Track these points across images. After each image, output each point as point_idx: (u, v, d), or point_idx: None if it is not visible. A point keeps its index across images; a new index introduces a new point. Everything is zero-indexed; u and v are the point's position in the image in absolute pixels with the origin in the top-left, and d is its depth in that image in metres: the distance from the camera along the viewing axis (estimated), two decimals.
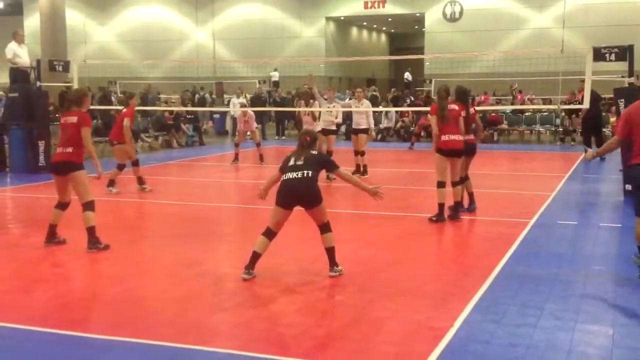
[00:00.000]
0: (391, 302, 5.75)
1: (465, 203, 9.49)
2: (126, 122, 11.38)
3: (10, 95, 14.77)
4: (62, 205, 7.73)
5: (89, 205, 7.48)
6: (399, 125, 22.51)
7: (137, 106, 14.07)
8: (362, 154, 13.32)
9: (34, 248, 7.67)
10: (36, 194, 11.36)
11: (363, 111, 13.42)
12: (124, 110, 11.68)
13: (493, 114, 21.76)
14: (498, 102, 25.34)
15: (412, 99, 26.00)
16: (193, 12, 39.45)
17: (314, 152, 6.62)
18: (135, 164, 11.64)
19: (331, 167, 6.71)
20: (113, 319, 5.36)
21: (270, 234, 6.46)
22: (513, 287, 6.10)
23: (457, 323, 5.18)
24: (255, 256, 6.43)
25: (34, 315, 5.38)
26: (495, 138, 21.65)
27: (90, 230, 7.46)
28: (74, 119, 7.55)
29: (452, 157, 9.02)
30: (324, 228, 6.52)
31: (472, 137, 9.38)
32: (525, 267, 6.78)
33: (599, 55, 11.15)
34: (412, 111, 21.71)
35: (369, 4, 36.15)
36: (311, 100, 13.28)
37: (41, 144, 13.97)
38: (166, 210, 10.26)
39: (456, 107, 9.09)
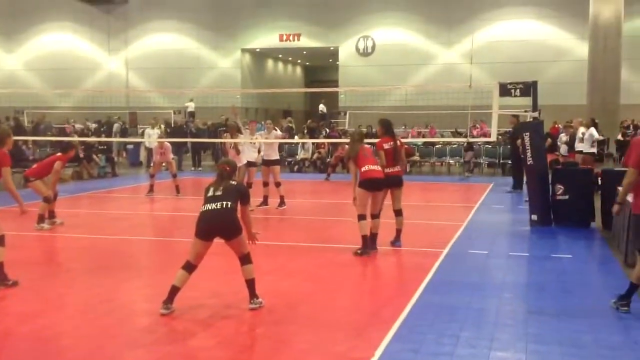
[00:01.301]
0: (311, 334, 5.78)
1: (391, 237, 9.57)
2: (57, 165, 11.22)
3: None
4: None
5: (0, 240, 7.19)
6: (315, 156, 22.75)
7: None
8: (278, 185, 13.38)
9: None
10: None
11: (274, 143, 13.53)
12: (59, 154, 11.50)
13: (406, 146, 22.26)
14: (419, 135, 26.11)
15: (328, 130, 26.37)
16: (105, 40, 38.75)
17: (232, 182, 6.59)
18: (47, 200, 11.27)
19: (245, 201, 6.64)
20: (23, 358, 5.13)
21: (190, 267, 6.37)
22: (429, 317, 6.25)
23: (377, 353, 5.26)
24: (174, 290, 6.32)
25: None
26: (408, 169, 22.19)
27: None
28: None
29: (374, 190, 8.98)
30: (245, 259, 6.48)
31: (398, 169, 9.38)
32: (441, 296, 6.96)
33: (504, 90, 11.71)
34: (328, 143, 22.02)
35: (284, 37, 36.60)
36: (237, 133, 13.27)
37: None
38: (78, 244, 9.94)
39: (368, 147, 9.31)
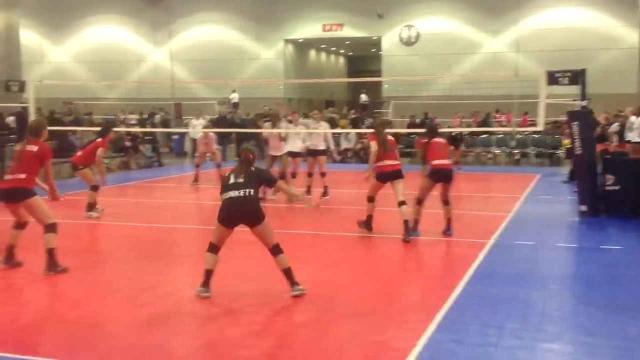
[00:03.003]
0: (353, 323, 5.76)
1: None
2: (99, 152, 11.33)
3: None
4: (20, 225, 7.61)
5: (50, 228, 7.39)
6: (358, 146, 22.67)
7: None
8: (323, 175, 13.37)
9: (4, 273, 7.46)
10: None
11: (321, 133, 13.50)
12: (99, 140, 11.61)
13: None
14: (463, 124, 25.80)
15: (371, 120, 26.24)
16: (150, 33, 39.21)
17: (253, 168, 6.62)
18: (95, 188, 11.46)
19: (271, 182, 6.76)
20: (71, 343, 5.25)
21: (215, 248, 6.46)
22: (474, 307, 6.17)
23: (420, 343, 5.22)
24: (208, 273, 6.43)
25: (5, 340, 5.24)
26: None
27: (50, 253, 7.34)
28: (34, 148, 7.50)
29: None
30: (275, 250, 6.48)
31: (446, 162, 9.56)
32: (485, 287, 6.87)
33: (552, 78, 11.43)
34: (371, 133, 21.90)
35: (327, 27, 36.49)
36: (278, 122, 13.30)
37: None
38: (125, 232, 10.11)
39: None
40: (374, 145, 9.40)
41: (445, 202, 9.51)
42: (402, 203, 9.24)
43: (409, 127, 22.92)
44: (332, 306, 6.24)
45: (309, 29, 36.98)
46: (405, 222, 9.15)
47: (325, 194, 13.25)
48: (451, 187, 9.59)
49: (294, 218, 11.65)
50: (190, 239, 10.10)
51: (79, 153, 11.83)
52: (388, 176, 9.41)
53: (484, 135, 22.73)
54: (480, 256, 8.22)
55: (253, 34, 37.57)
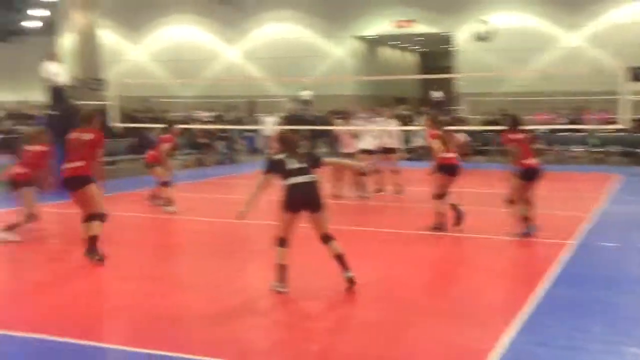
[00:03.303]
0: (430, 323, 5.66)
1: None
2: (163, 147, 11.58)
3: (51, 113, 14.97)
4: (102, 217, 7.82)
5: (100, 216, 7.62)
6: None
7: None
8: (396, 172, 13.24)
9: (73, 262, 7.71)
10: (71, 209, 11.40)
11: (393, 131, 13.36)
12: (164, 136, 11.84)
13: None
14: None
15: (447, 118, 25.86)
16: (224, 31, 39.85)
17: (302, 150, 6.64)
18: (166, 184, 11.68)
19: (319, 161, 6.67)
20: (147, 334, 5.33)
21: (284, 241, 6.39)
22: (557, 309, 5.96)
23: (501, 345, 5.07)
24: (282, 268, 6.36)
25: (75, 329, 5.38)
26: None
27: (92, 239, 7.51)
28: (88, 136, 7.76)
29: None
30: (327, 238, 6.44)
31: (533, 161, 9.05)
32: (568, 289, 6.63)
33: (635, 74, 10.96)
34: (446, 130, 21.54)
35: (399, 24, 36.18)
36: (350, 119, 13.26)
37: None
38: (200, 227, 10.27)
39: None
40: (436, 144, 9.34)
41: (528, 201, 9.16)
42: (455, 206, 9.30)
43: (484, 124, 22.44)
44: (407, 306, 6.14)
45: (380, 25, 36.76)
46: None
47: (399, 191, 13.11)
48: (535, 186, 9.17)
49: (367, 215, 11.57)
50: (263, 235, 10.10)
51: (151, 152, 12.08)
52: (455, 168, 9.39)
53: (565, 133, 22.01)
54: (562, 257, 7.93)
55: (324, 31, 37.64)
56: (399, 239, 9.32)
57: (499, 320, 5.67)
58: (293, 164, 6.40)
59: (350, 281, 6.34)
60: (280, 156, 6.52)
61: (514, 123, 9.24)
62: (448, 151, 9.43)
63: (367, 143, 13.08)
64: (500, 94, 27.92)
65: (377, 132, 13.33)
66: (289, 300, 6.28)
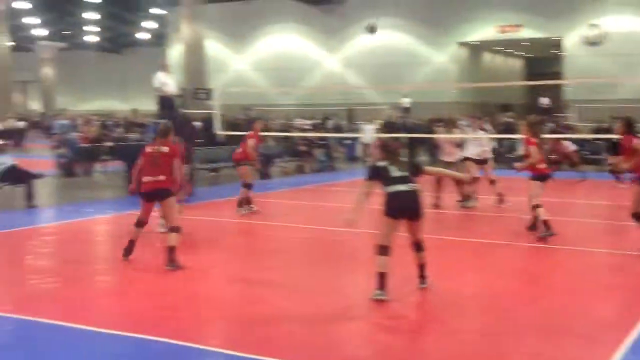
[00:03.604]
0: (536, 339, 5.45)
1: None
2: (249, 142, 11.75)
3: (158, 121, 15.59)
4: (142, 224, 8.11)
5: (176, 229, 7.86)
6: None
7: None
8: (492, 182, 12.73)
9: (188, 268, 7.95)
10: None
11: (483, 140, 12.94)
12: (250, 132, 12.13)
13: None
14: None
15: (553, 125, 24.98)
16: (324, 39, 40.28)
17: (404, 159, 6.76)
18: (249, 186, 11.84)
19: (420, 170, 6.81)
20: (250, 337, 5.43)
21: (385, 249, 6.38)
22: None
23: None
24: (383, 276, 6.35)
25: (185, 331, 5.56)
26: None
27: (171, 250, 7.76)
28: (166, 150, 8.02)
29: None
30: (420, 246, 6.60)
31: None
32: None
33: None
34: (553, 139, 20.77)
35: (504, 29, 35.35)
36: (453, 127, 13.02)
37: (186, 168, 14.44)
38: (301, 234, 10.38)
39: None
40: (535, 152, 9.20)
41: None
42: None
43: (594, 132, 21.50)
44: (511, 319, 5.96)
45: (484, 30, 36.06)
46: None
47: (501, 201, 12.71)
48: None
49: (466, 225, 11.34)
50: (363, 243, 10.14)
51: (239, 150, 12.11)
52: (548, 177, 9.51)
53: None
54: None
55: (426, 37, 37.34)
56: (501, 250, 9.06)
57: (609, 338, 5.41)
58: (395, 172, 6.45)
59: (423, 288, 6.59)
60: (383, 163, 6.58)
61: (629, 126, 8.75)
62: (542, 161, 9.39)
63: (472, 151, 12.77)
64: (612, 101, 26.68)
65: (483, 140, 12.93)
66: (389, 308, 6.24)
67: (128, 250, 8.09)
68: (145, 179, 7.96)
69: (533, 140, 9.37)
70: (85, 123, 25.68)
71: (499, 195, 12.70)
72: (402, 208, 6.40)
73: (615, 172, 14.69)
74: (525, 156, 9.64)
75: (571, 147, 18.48)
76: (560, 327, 5.71)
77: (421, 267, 6.68)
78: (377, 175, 6.55)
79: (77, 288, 7.04)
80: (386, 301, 6.29)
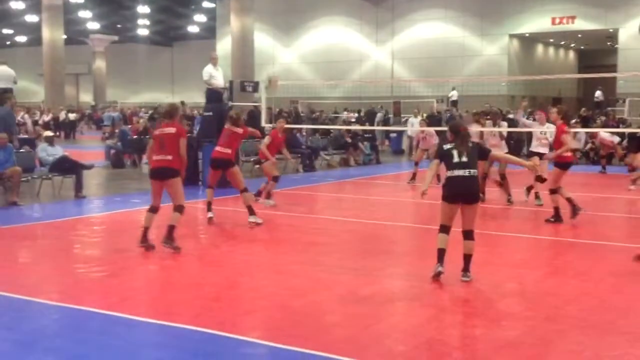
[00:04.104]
0: (582, 335, 5.33)
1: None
2: (266, 140, 11.81)
3: (205, 114, 15.74)
4: (155, 210, 8.20)
5: (179, 208, 8.08)
6: (588, 147, 21.16)
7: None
8: (543, 180, 12.05)
9: (219, 257, 8.02)
10: (224, 206, 11.90)
11: (544, 134, 12.44)
12: (271, 130, 12.29)
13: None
14: None
15: (604, 119, 24.36)
16: (373, 32, 40.07)
17: (470, 143, 6.92)
18: (276, 179, 11.82)
19: (485, 153, 7.37)
20: (293, 330, 5.42)
21: (446, 228, 6.80)
22: None
23: None
24: (442, 252, 6.77)
25: (226, 322, 5.59)
26: None
27: (171, 228, 7.99)
28: (172, 130, 8.15)
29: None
30: (470, 235, 6.77)
31: None
32: None
33: None
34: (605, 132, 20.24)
35: (557, 20, 34.56)
36: (499, 120, 12.77)
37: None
38: (346, 227, 10.34)
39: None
40: (568, 139, 9.92)
41: None
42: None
43: None
44: (559, 316, 5.83)
45: (537, 22, 35.34)
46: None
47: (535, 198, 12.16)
48: None
49: (514, 220, 11.14)
50: (407, 237, 10.08)
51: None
52: (570, 165, 10.13)
53: None
54: None
55: (476, 29, 36.80)
56: (550, 246, 8.88)
57: None
58: (456, 157, 6.75)
59: (464, 281, 6.72)
60: (448, 146, 6.87)
61: None
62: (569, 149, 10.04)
63: (535, 146, 12.20)
64: None
65: (547, 134, 12.10)
66: (432, 304, 6.19)
67: (143, 238, 8.13)
68: (155, 157, 8.21)
69: (565, 127, 9.77)
70: (133, 115, 26.12)
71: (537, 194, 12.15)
72: (458, 193, 6.71)
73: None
74: (557, 144, 9.95)
75: (614, 139, 18.25)
76: (606, 323, 5.58)
77: (467, 259, 6.78)
78: (442, 157, 6.89)
79: (122, 277, 7.16)
80: (442, 272, 6.68)
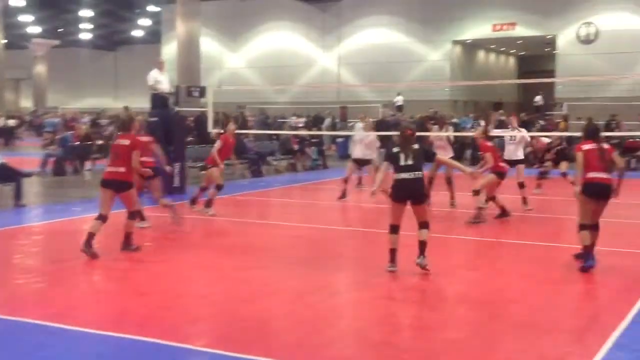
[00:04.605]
0: (524, 334, 5.47)
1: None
2: (217, 144, 11.54)
3: (150, 119, 15.49)
4: (104, 218, 8.13)
5: (133, 215, 8.30)
6: (528, 150, 21.65)
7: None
8: (522, 185, 12.10)
9: (164, 266, 7.92)
10: (163, 213, 11.73)
11: (522, 141, 12.41)
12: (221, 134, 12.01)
13: (630, 140, 20.75)
14: None
15: (543, 123, 25.05)
16: (320, 37, 40.23)
17: (415, 146, 7.22)
18: (219, 187, 11.54)
19: (430, 156, 7.74)
20: (241, 337, 5.40)
21: (395, 228, 7.20)
22: None
23: None
24: (393, 252, 7.20)
25: (172, 330, 5.53)
26: (633, 165, 20.38)
27: (128, 235, 8.31)
28: (126, 142, 8.17)
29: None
30: (424, 224, 7.21)
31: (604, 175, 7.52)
32: None
33: None
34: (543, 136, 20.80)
35: (498, 27, 35.37)
36: (445, 125, 12.99)
37: (176, 166, 14.27)
38: (292, 232, 10.36)
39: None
40: (488, 156, 10.57)
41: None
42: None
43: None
44: (503, 316, 6.01)
45: (478, 29, 36.09)
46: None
47: (525, 203, 12.04)
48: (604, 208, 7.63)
49: (458, 223, 11.36)
50: (355, 241, 10.14)
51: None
52: (505, 175, 10.82)
53: None
54: None
55: (420, 35, 37.33)
56: (495, 248, 9.07)
57: (595, 335, 5.48)
58: (402, 161, 7.12)
59: (420, 266, 7.11)
60: (396, 150, 7.24)
61: (588, 136, 7.76)
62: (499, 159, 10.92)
63: (513, 153, 12.21)
64: (603, 99, 26.75)
65: (518, 139, 12.28)
66: (382, 307, 6.25)
67: (87, 243, 7.95)
68: (108, 168, 8.24)
69: (486, 144, 10.85)
70: (72, 121, 25.48)
71: (524, 198, 12.13)
72: (405, 193, 7.13)
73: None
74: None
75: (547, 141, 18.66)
76: (548, 323, 5.73)
77: (421, 244, 7.14)
78: (390, 160, 7.27)
79: (63, 288, 7.00)
80: (394, 271, 7.06)
